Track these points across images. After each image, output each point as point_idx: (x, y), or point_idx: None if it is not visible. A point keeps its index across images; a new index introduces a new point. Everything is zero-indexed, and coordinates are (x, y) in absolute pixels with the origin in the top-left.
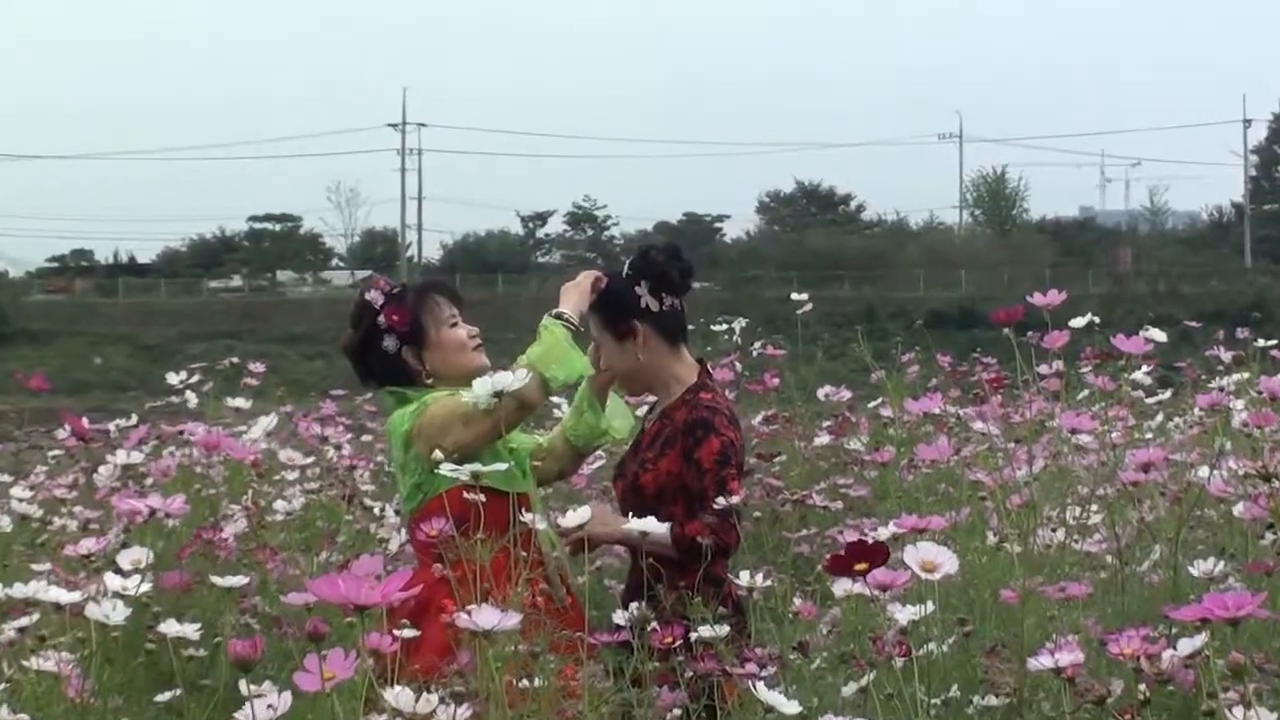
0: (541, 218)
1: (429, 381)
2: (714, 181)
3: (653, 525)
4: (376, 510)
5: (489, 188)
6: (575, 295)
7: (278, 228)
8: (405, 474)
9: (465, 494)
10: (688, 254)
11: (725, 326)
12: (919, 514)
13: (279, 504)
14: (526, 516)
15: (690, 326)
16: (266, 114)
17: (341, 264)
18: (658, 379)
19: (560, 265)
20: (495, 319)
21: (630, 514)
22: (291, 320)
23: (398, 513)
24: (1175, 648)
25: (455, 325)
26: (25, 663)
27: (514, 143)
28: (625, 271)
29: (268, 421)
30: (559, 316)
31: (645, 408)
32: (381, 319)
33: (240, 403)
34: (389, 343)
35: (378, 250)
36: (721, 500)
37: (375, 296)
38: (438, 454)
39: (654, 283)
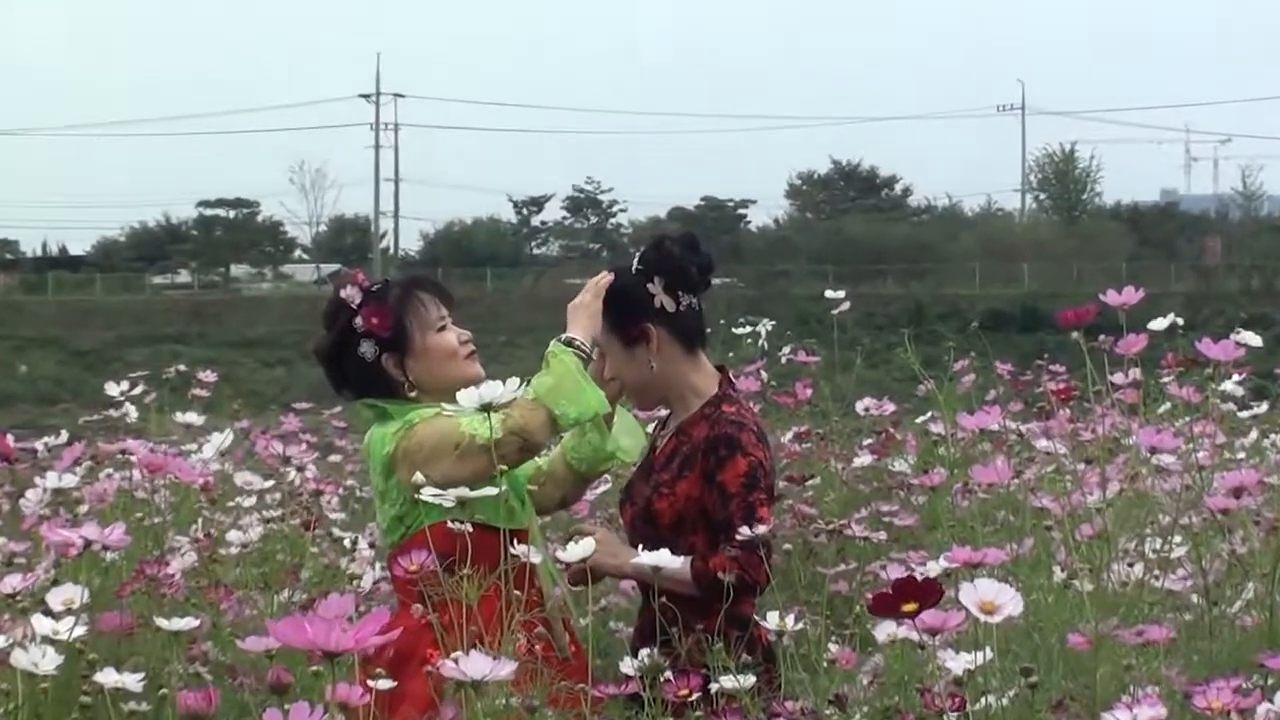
0: (537, 203)
1: (412, 394)
2: (737, 161)
3: (668, 559)
4: (347, 542)
5: (476, 169)
6: (585, 317)
7: (231, 214)
8: (385, 503)
9: (450, 524)
10: (707, 245)
11: (749, 329)
12: (974, 546)
13: (234, 534)
14: (520, 549)
15: (709, 329)
16: (219, 84)
17: (305, 256)
18: (673, 390)
19: (559, 258)
20: (483, 320)
21: (641, 546)
22: (247, 322)
23: (372, 545)
24: (1272, 701)
25: (444, 329)
26: None
27: (505, 116)
28: (635, 266)
29: (220, 439)
30: (569, 343)
31: (655, 423)
32: (358, 320)
33: (189, 417)
34: (366, 348)
35: (347, 240)
36: (749, 530)
37: (351, 294)
38: (419, 478)
39: (669, 279)
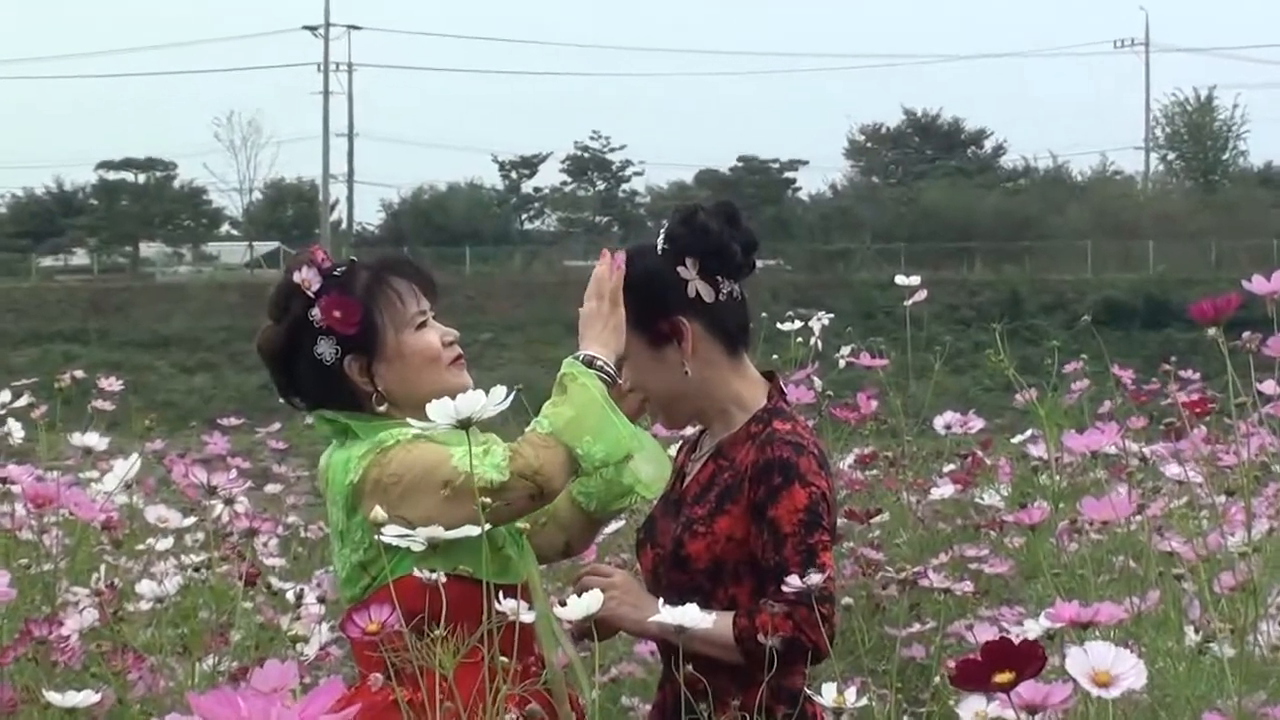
0: (529, 164)
1: (381, 407)
2: (783, 112)
3: (697, 616)
4: (289, 594)
5: (451, 121)
6: (602, 327)
7: (141, 179)
8: (345, 545)
9: (418, 573)
10: (746, 218)
11: (800, 324)
12: (1085, 600)
13: (145, 586)
14: (508, 605)
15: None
16: (128, 17)
17: (235, 232)
18: (710, 401)
19: (556, 234)
20: (462, 312)
21: (664, 598)
22: (161, 316)
23: (322, 600)
24: None
25: (424, 326)
26: None
27: (488, 54)
28: (661, 244)
29: (127, 465)
30: (590, 363)
31: (680, 444)
32: (315, 312)
33: (88, 438)
34: (325, 348)
35: (288, 212)
36: (807, 579)
37: (308, 277)
38: (379, 513)
39: (705, 260)
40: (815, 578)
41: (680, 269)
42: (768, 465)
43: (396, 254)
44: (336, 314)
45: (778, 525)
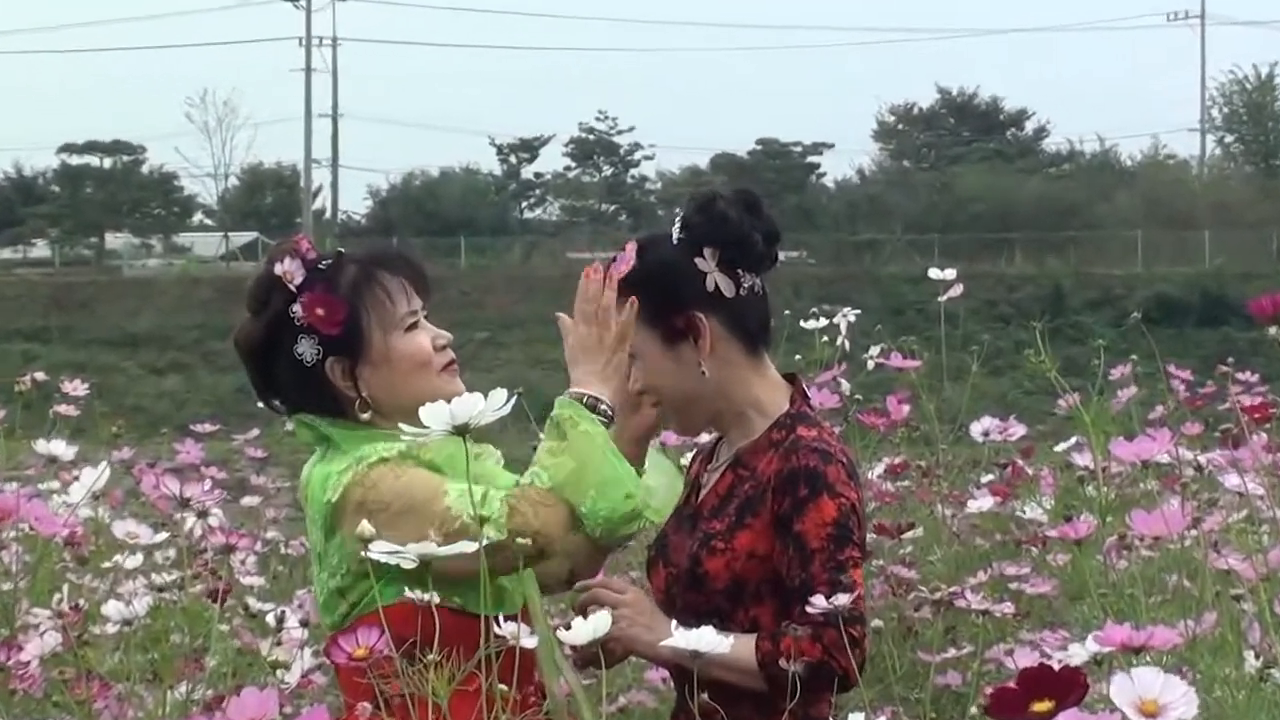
0: (530, 148)
1: (365, 415)
2: (806, 91)
3: (713, 640)
4: (269, 616)
5: (445, 101)
6: (604, 363)
7: (107, 163)
8: (323, 569)
9: (409, 594)
10: (767, 207)
11: (825, 322)
12: (1135, 623)
13: (112, 607)
14: (508, 629)
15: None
16: None
17: (209, 222)
18: (729, 405)
19: (559, 223)
20: (455, 309)
21: (678, 621)
22: (129, 312)
23: (305, 623)
24: None
25: (415, 328)
26: None
27: (484, 28)
28: (677, 233)
29: (94, 475)
30: (594, 407)
31: (693, 452)
32: (297, 308)
33: (50, 446)
34: (306, 348)
35: (266, 199)
36: (835, 599)
37: (291, 269)
38: (365, 528)
39: (725, 251)
40: (843, 598)
41: (698, 260)
42: (792, 475)
43: (387, 246)
44: (319, 312)
45: (804, 540)
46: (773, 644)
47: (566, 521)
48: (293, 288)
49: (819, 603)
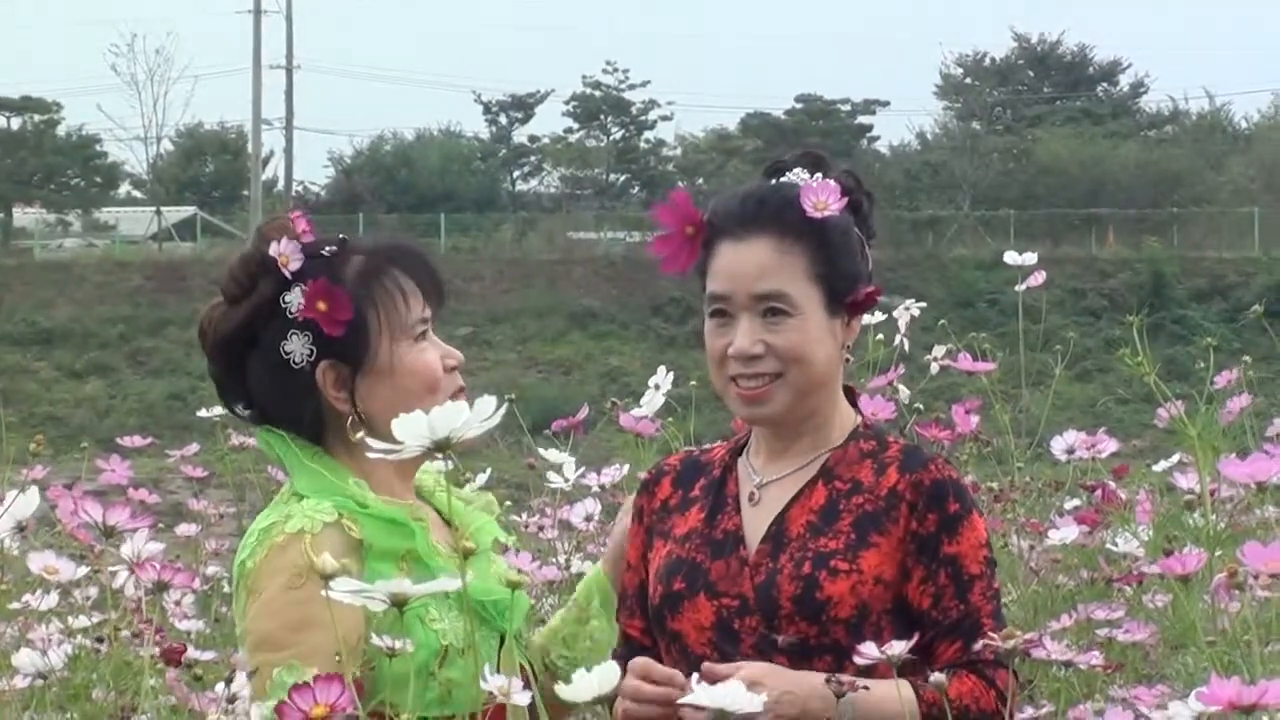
0: (523, 106)
1: (358, 435)
2: (855, 36)
3: (746, 700)
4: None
5: (421, 51)
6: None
7: (14, 124)
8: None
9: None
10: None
11: (880, 316)
12: (1248, 677)
13: (23, 656)
14: (495, 681)
15: None
16: None
17: (138, 194)
18: (828, 402)
19: (559, 196)
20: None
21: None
22: (41, 303)
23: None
24: None
25: (424, 338)
26: None
27: None
28: (840, 195)
29: (24, 501)
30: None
31: (687, 455)
32: (291, 297)
33: None
34: (296, 346)
35: (207, 167)
36: (1007, 634)
37: (287, 251)
38: (327, 560)
39: (861, 225)
40: (1016, 634)
41: (857, 229)
42: (939, 487)
43: (398, 239)
44: (321, 305)
45: (961, 564)
46: (940, 691)
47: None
48: (287, 273)
49: (994, 640)
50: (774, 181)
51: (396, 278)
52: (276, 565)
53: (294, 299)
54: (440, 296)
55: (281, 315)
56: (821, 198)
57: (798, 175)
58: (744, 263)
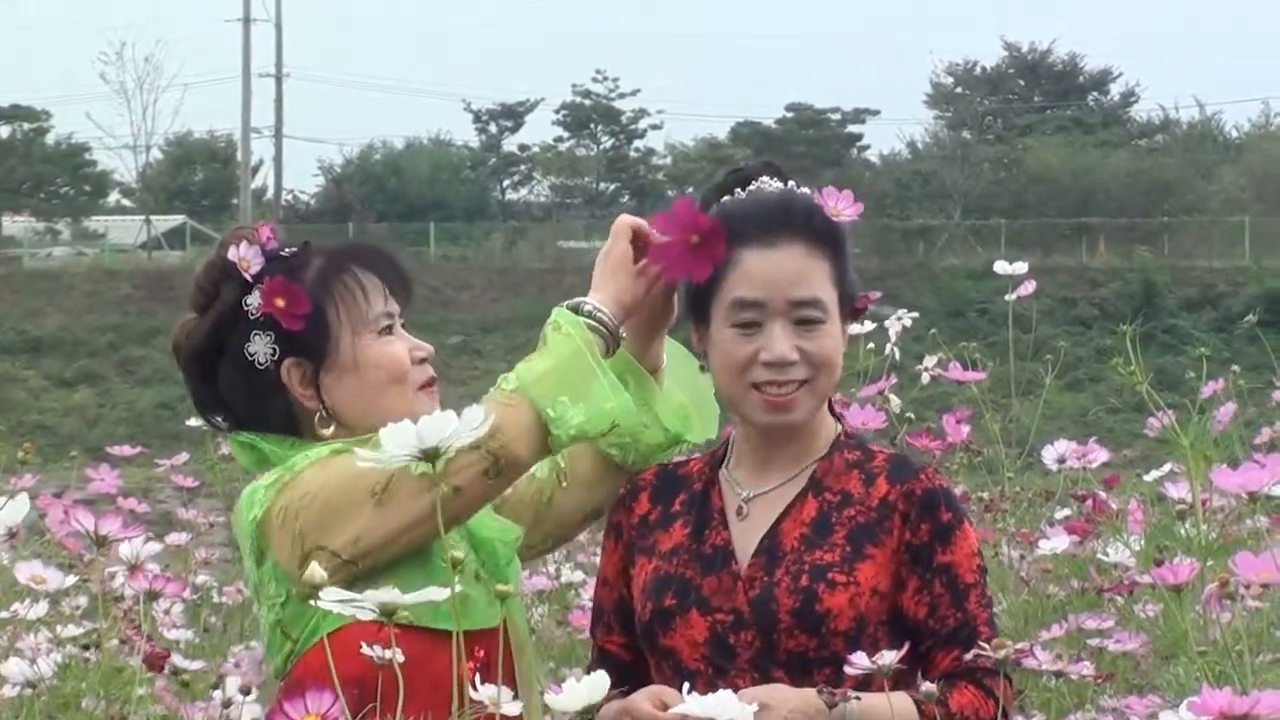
0: (513, 115)
1: (326, 431)
2: (846, 48)
3: (738, 710)
4: (200, 679)
5: (411, 60)
6: (614, 272)
7: (4, 132)
8: (262, 602)
9: (367, 650)
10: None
11: (869, 326)
12: (1239, 687)
13: (11, 665)
14: (485, 693)
15: None
16: None
17: (127, 202)
18: (820, 411)
19: (549, 205)
20: (424, 308)
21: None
22: (31, 312)
23: (245, 691)
24: None
25: (389, 331)
26: None
27: None
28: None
29: (14, 508)
30: (583, 311)
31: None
32: (252, 299)
33: None
34: (260, 346)
35: (196, 176)
36: (1003, 643)
37: (247, 255)
38: (315, 571)
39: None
40: (1006, 644)
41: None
42: (930, 497)
43: (361, 240)
44: (279, 302)
45: (956, 573)
46: (930, 701)
47: (531, 428)
48: (248, 276)
49: (990, 649)
50: (787, 186)
51: (356, 274)
52: (300, 478)
53: (254, 300)
54: (407, 292)
55: (245, 318)
56: (838, 204)
57: (766, 183)
58: (778, 269)
